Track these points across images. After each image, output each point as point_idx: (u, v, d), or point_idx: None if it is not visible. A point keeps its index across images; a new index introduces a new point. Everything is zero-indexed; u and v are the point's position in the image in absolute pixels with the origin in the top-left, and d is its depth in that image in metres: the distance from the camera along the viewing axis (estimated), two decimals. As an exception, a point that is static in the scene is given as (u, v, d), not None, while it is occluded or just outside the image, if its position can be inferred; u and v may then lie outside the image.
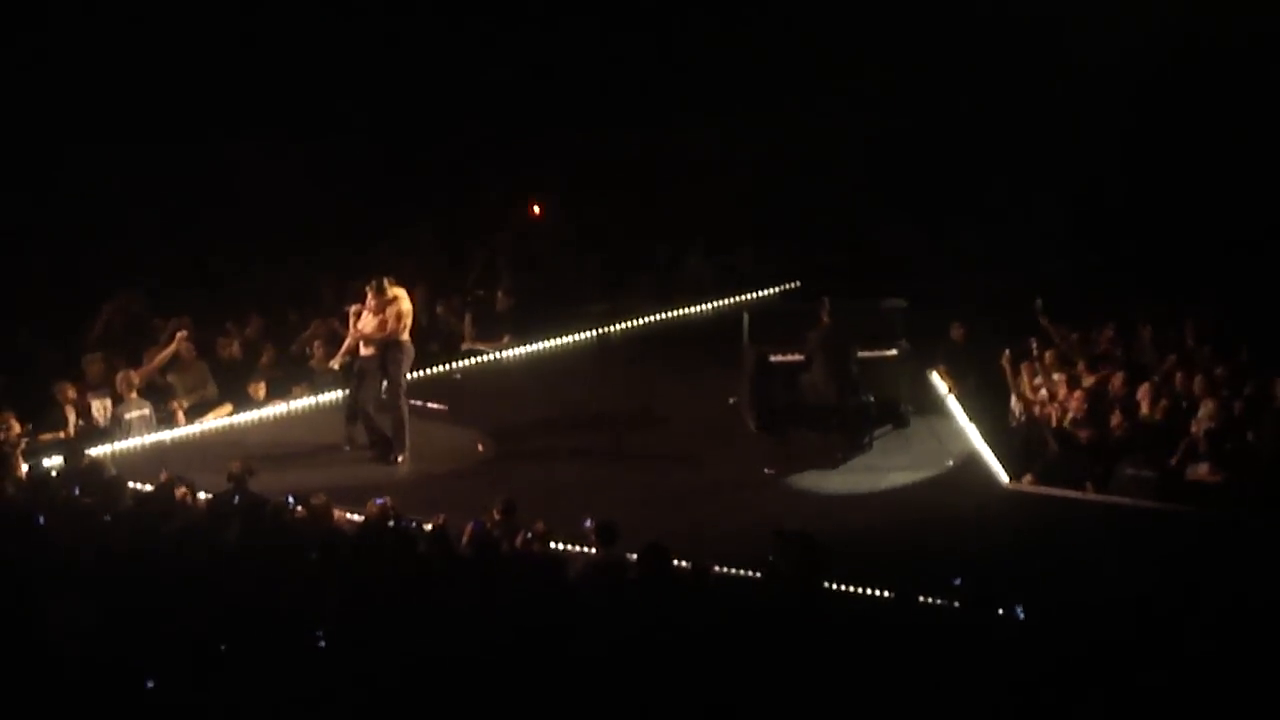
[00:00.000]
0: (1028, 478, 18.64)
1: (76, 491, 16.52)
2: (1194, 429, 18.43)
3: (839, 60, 26.69)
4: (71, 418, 19.46)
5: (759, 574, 14.75)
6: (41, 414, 19.32)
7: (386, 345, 19.51)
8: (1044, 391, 19.74)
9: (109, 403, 19.83)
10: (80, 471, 17.56)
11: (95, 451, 18.79)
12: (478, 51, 26.95)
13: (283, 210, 24.94)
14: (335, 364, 20.26)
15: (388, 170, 26.51)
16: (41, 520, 15.21)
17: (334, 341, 21.08)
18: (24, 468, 17.93)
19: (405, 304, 19.59)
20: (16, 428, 18.55)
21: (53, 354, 20.84)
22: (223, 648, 12.00)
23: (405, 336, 19.61)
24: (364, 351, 19.63)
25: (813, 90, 26.70)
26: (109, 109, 24.22)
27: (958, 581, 14.13)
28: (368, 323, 19.56)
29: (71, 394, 19.65)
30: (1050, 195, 24.63)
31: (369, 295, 19.53)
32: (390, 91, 26.53)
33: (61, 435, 19.24)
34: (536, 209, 28.00)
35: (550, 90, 27.15)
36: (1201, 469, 17.95)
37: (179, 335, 20.88)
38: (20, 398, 19.36)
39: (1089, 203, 25.08)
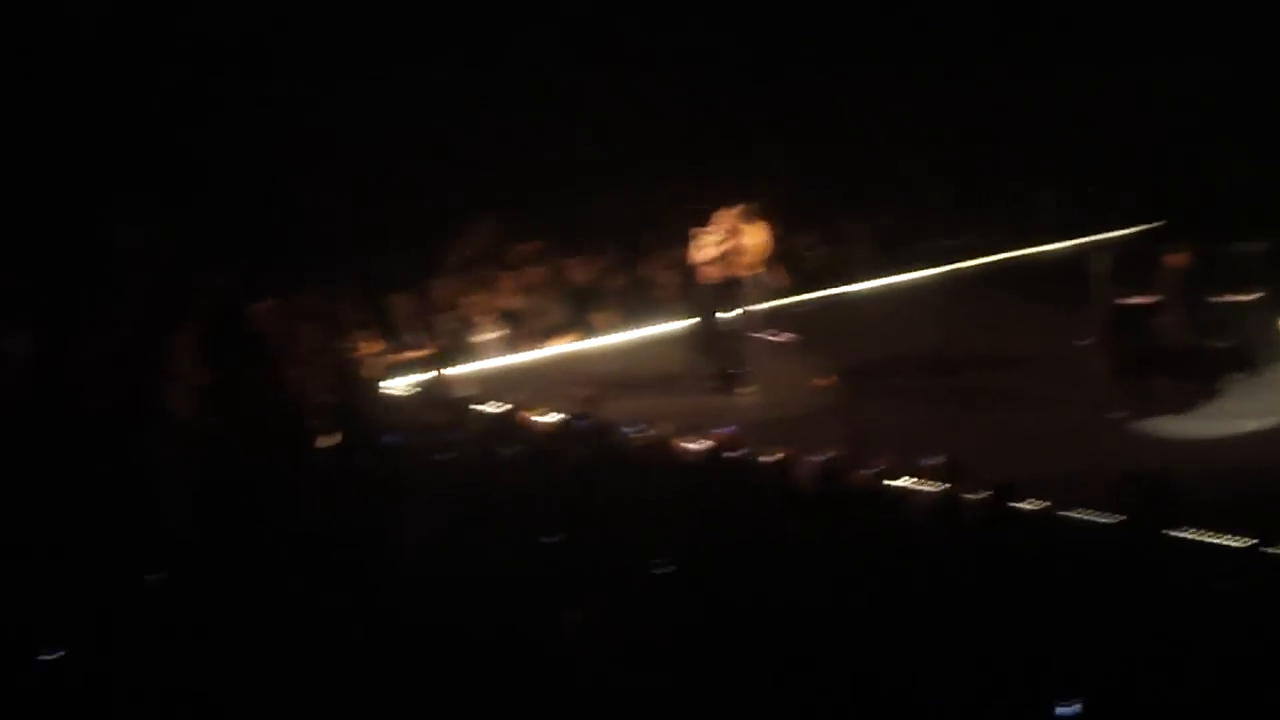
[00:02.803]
0: None
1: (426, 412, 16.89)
2: None
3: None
4: (421, 336, 19.87)
5: (1108, 519, 14.47)
6: (393, 334, 19.80)
7: (737, 276, 19.49)
8: None
9: (458, 325, 20.21)
10: (438, 390, 17.99)
11: (448, 372, 19.18)
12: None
13: (633, 137, 25.07)
14: (705, 272, 20.01)
15: (741, 96, 26.38)
16: (389, 440, 15.53)
17: (682, 270, 21.19)
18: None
19: (760, 235, 19.52)
20: (376, 346, 19.05)
21: (406, 275, 21.20)
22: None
23: (759, 269, 19.57)
24: (711, 278, 19.61)
25: (1179, 37, 26.09)
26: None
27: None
28: (723, 248, 19.49)
29: (410, 311, 20.09)
30: None
31: (726, 223, 19.47)
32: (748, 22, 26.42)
33: (421, 354, 19.70)
34: None
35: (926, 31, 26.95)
36: None
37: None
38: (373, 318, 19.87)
39: None
